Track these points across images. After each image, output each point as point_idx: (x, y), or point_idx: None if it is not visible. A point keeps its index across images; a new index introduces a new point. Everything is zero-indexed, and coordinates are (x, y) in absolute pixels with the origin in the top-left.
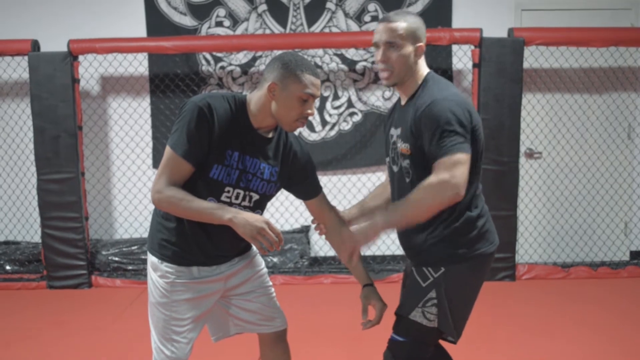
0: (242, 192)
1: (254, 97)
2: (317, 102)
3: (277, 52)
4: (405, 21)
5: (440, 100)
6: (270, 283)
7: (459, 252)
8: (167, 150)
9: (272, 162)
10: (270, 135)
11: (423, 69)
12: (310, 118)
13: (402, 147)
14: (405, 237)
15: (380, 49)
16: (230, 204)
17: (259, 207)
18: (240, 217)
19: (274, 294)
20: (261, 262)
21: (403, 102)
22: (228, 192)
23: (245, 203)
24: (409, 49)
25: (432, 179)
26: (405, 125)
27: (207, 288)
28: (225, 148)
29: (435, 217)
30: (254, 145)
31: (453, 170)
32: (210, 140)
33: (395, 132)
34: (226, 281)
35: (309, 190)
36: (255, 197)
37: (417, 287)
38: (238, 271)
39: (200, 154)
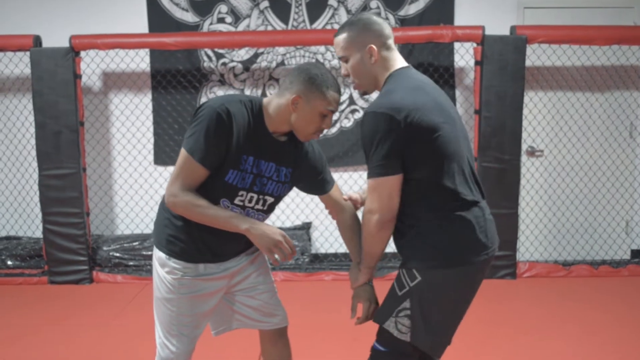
0: (255, 196)
1: (273, 103)
2: None
3: (279, 49)
4: (344, 32)
5: (367, 114)
6: (273, 280)
7: (437, 258)
8: (183, 153)
9: (286, 164)
10: (283, 138)
11: (388, 67)
12: None
13: None
14: (393, 237)
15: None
16: (244, 207)
17: (271, 209)
18: (258, 229)
19: (276, 291)
20: (265, 259)
21: None
22: (242, 195)
23: (259, 206)
24: (357, 56)
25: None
26: None
27: (213, 285)
28: (241, 153)
29: (417, 218)
30: (269, 149)
31: (373, 194)
32: (227, 146)
33: None
34: (231, 279)
35: (321, 186)
36: (270, 200)
37: (394, 295)
38: (243, 267)
39: (216, 160)
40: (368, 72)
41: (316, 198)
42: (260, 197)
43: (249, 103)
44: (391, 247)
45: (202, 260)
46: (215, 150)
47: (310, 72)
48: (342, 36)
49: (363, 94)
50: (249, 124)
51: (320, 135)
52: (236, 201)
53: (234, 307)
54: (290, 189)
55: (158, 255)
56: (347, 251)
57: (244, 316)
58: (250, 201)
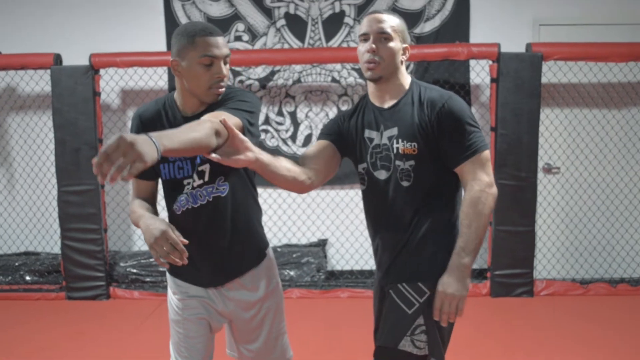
0: (196, 177)
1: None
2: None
3: (296, 67)
4: (397, 18)
5: (455, 97)
6: (284, 320)
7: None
8: None
9: None
10: (200, 110)
11: (407, 74)
12: None
13: (406, 147)
14: (388, 253)
15: (369, 39)
16: (194, 194)
17: (218, 174)
18: (144, 224)
19: (283, 331)
20: (275, 297)
21: (386, 104)
22: (188, 183)
23: (198, 182)
24: (399, 45)
25: (474, 187)
26: (407, 124)
27: (215, 308)
28: None
29: (426, 231)
30: None
31: (486, 169)
32: None
33: (380, 134)
34: (237, 313)
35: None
36: (205, 167)
37: (402, 314)
38: (251, 306)
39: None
40: (397, 63)
41: (332, 214)
42: (194, 174)
43: (162, 99)
44: None
45: (197, 282)
46: None
47: (177, 31)
48: (396, 20)
49: (377, 78)
50: (162, 118)
51: (222, 87)
52: (185, 191)
53: (239, 347)
54: None
55: (167, 275)
56: (364, 268)
57: (244, 355)
58: (193, 187)
